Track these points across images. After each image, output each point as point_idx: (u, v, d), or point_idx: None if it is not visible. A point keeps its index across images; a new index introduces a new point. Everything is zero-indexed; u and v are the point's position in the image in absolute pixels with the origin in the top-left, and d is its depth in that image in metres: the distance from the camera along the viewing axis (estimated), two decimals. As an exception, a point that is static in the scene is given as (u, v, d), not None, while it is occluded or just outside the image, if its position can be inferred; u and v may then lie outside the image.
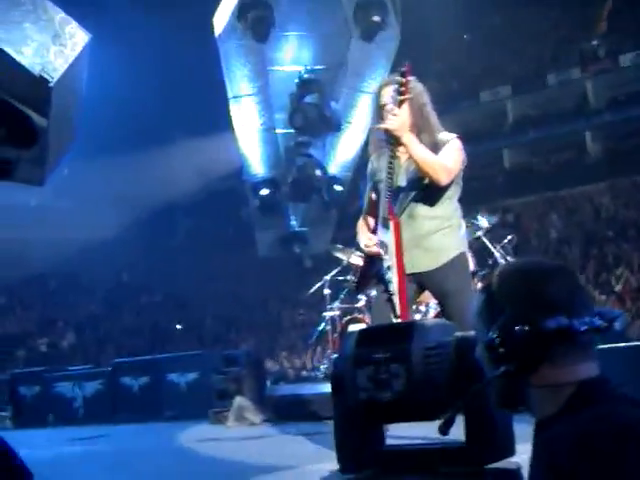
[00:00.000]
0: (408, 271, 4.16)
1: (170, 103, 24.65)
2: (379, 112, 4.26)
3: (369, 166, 4.50)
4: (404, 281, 4.11)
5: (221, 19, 18.86)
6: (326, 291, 9.85)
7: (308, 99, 19.39)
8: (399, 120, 3.95)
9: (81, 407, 11.11)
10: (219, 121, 21.08)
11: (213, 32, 19.03)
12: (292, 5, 18.45)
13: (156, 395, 10.37)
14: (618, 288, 16.03)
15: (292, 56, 19.82)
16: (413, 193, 4.17)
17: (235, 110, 19.96)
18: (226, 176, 23.88)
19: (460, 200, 4.36)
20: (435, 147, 4.11)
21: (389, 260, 4.14)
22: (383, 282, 4.17)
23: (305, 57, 19.74)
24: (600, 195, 23.64)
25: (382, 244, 4.15)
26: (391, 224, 4.12)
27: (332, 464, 3.05)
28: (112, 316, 23.81)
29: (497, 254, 8.35)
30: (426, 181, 4.14)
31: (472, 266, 8.62)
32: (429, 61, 27.43)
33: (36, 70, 2.71)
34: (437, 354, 2.41)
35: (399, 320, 4.03)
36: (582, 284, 1.60)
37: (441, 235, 4.20)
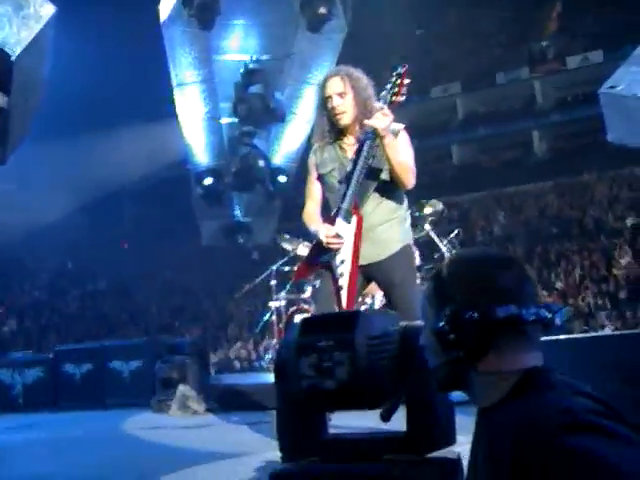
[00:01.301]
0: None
1: (117, 88, 24.31)
2: (324, 103, 4.27)
3: (312, 157, 4.47)
4: (356, 276, 4.13)
5: (166, 5, 18.65)
6: (272, 281, 9.84)
7: (253, 89, 19.35)
8: (387, 120, 3.94)
9: (21, 394, 10.91)
10: (167, 108, 20.88)
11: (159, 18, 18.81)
12: (238, -7, 18.38)
13: (98, 383, 10.23)
14: (560, 285, 16.32)
15: (238, 45, 19.70)
16: (368, 188, 4.20)
17: (179, 98, 19.79)
18: (174, 164, 23.67)
19: (408, 194, 4.40)
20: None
21: (344, 253, 4.15)
22: (333, 274, 4.18)
23: (251, 47, 19.65)
24: (545, 193, 24.03)
25: (338, 236, 4.16)
26: (354, 218, 4.12)
27: (275, 453, 3.05)
28: (56, 303, 23.44)
29: (443, 248, 8.43)
30: (383, 176, 4.19)
31: (417, 260, 8.73)
32: (380, 55, 27.54)
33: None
34: (381, 343, 2.43)
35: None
36: (530, 276, 1.62)
37: (387, 227, 4.24)
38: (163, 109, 21.51)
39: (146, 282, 23.29)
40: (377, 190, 4.22)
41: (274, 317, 9.79)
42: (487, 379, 1.54)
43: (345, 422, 4.20)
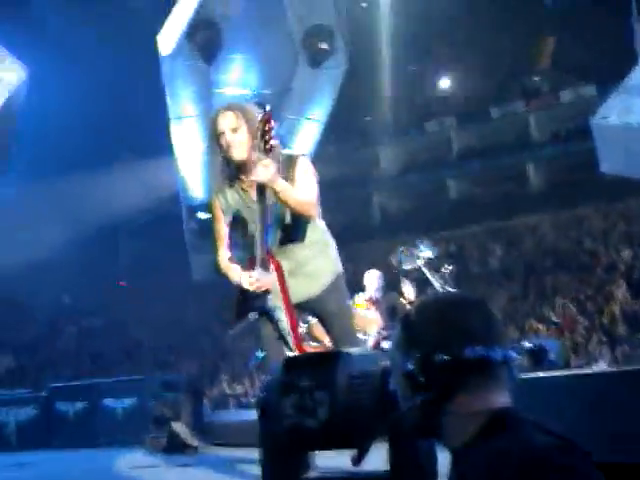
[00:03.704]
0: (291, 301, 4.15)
1: (114, 123, 24.40)
2: (216, 140, 4.15)
3: (216, 200, 4.33)
4: (295, 318, 4.11)
5: (168, 38, 18.72)
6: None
7: (252, 124, 19.40)
8: (270, 171, 3.85)
9: (14, 433, 10.84)
10: (162, 142, 20.92)
11: (156, 51, 18.79)
12: (240, 28, 18.46)
13: (91, 421, 10.19)
14: (556, 318, 16.27)
15: (238, 79, 19.79)
16: (279, 228, 4.15)
17: (176, 131, 19.83)
18: (168, 198, 23.71)
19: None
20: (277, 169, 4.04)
21: (275, 300, 4.08)
22: (271, 321, 4.13)
23: (251, 81, 19.75)
24: (541, 226, 24.06)
25: (259, 280, 4.03)
26: (272, 266, 4.05)
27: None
28: (52, 339, 23.34)
29: (436, 284, 8.42)
30: (288, 215, 4.14)
31: (413, 296, 8.74)
32: (376, 90, 27.73)
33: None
34: (361, 383, 2.44)
35: (295, 353, 4.04)
36: (497, 317, 1.64)
37: (316, 261, 4.22)
38: (158, 144, 21.57)
39: (142, 318, 23.20)
40: (294, 228, 4.17)
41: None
42: (457, 420, 1.56)
43: (329, 463, 4.17)
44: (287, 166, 4.11)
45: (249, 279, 4.02)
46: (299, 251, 4.19)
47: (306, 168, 4.16)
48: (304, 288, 4.19)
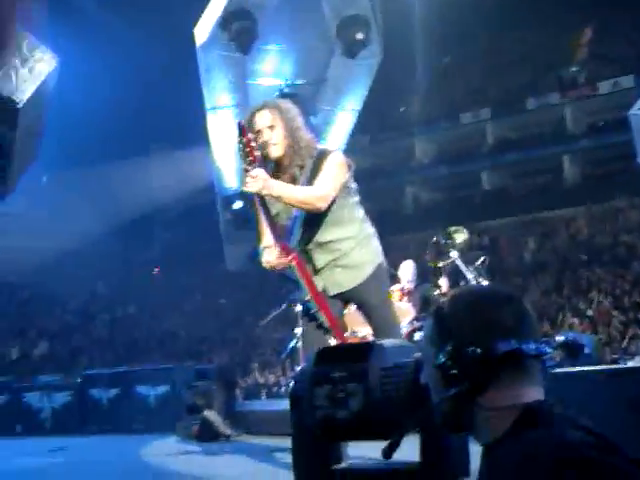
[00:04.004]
0: (332, 292, 4.17)
1: (149, 113, 24.55)
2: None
3: (256, 197, 4.18)
4: (328, 309, 4.08)
5: (204, 29, 18.75)
6: (298, 307, 9.79)
7: (287, 114, 19.41)
8: (259, 181, 3.84)
9: (49, 418, 11.01)
10: (197, 133, 21.01)
11: (191, 42, 18.83)
12: (275, 18, 18.38)
13: (125, 408, 10.31)
14: (590, 312, 16.12)
15: (273, 69, 19.75)
16: (314, 222, 4.14)
17: (212, 122, 19.87)
18: (203, 189, 23.80)
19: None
20: (307, 167, 4.10)
21: (306, 294, 4.08)
22: (308, 314, 4.15)
23: (286, 71, 19.70)
24: (576, 219, 23.83)
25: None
26: (294, 262, 4.02)
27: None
28: (86, 327, 23.63)
29: (470, 276, 8.35)
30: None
31: (445, 288, 8.69)
32: (410, 81, 27.63)
33: (3, 93, 2.75)
34: (394, 374, 2.43)
35: (337, 341, 4.08)
36: (530, 311, 1.63)
37: (356, 252, 4.20)
38: (193, 134, 21.66)
39: (175, 307, 23.38)
40: (330, 222, 4.17)
41: (300, 343, 9.75)
42: (489, 414, 1.54)
43: (361, 452, 4.18)
44: (319, 160, 4.10)
45: (267, 257, 4.05)
46: (339, 243, 4.18)
47: (335, 162, 4.12)
48: (346, 279, 4.19)
